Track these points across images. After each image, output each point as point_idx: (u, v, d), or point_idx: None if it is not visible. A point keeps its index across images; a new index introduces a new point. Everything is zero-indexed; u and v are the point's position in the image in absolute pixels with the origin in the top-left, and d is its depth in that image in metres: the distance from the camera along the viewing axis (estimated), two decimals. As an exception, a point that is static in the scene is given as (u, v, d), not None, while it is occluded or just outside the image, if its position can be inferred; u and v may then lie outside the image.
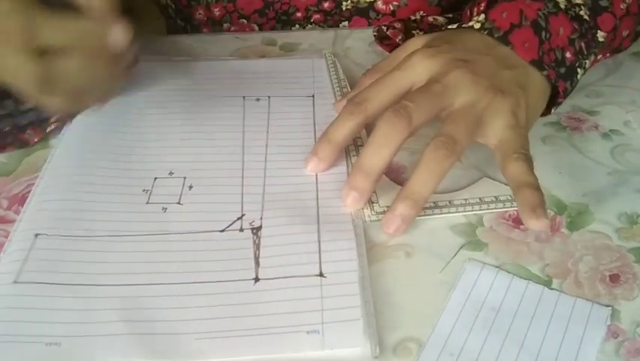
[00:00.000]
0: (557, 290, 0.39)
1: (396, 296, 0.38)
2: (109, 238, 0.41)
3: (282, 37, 0.62)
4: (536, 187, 0.40)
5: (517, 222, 0.43)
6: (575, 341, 0.36)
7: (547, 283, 0.39)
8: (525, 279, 0.39)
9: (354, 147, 0.48)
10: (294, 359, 0.35)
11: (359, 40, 0.61)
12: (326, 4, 0.63)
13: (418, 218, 0.43)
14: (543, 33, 0.47)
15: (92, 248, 0.40)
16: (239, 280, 0.38)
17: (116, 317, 0.36)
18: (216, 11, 0.63)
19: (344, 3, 0.63)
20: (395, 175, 0.46)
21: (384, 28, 0.57)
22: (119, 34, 0.39)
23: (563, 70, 0.47)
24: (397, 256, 0.41)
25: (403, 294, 0.38)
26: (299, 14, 0.63)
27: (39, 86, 0.38)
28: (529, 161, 0.42)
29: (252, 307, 0.37)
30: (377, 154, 0.42)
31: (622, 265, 0.40)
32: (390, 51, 0.58)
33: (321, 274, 0.38)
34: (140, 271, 0.39)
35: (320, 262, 0.39)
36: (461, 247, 0.41)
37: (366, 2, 0.63)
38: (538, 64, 0.46)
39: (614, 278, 0.39)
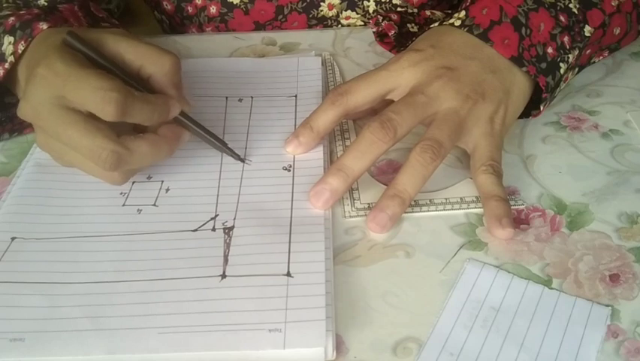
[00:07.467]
0: (557, 290, 0.39)
1: (396, 296, 0.38)
2: (80, 238, 0.41)
3: (281, 37, 0.62)
4: (503, 199, 0.42)
5: (517, 222, 0.43)
6: (574, 340, 0.36)
7: (547, 283, 0.39)
8: (525, 279, 0.39)
9: (340, 132, 0.50)
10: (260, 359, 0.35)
11: (359, 40, 0.61)
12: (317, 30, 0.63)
13: (415, 217, 0.43)
14: (523, 29, 0.47)
15: (62, 249, 0.40)
16: (205, 276, 0.38)
17: (80, 313, 0.36)
18: (208, 30, 0.64)
19: (335, 28, 0.63)
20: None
21: (380, 18, 0.57)
22: (175, 109, 0.43)
23: (544, 65, 0.47)
24: (397, 255, 0.41)
25: (403, 294, 0.38)
26: None
27: (114, 165, 0.39)
28: (497, 172, 0.44)
29: (216, 303, 0.37)
30: (358, 160, 0.42)
31: (622, 265, 0.40)
32: (390, 50, 0.58)
33: (288, 274, 0.38)
34: (106, 270, 0.39)
35: (289, 263, 0.39)
36: (461, 247, 0.41)
37: (356, 26, 0.63)
38: (517, 60, 0.47)
39: (614, 278, 0.39)
